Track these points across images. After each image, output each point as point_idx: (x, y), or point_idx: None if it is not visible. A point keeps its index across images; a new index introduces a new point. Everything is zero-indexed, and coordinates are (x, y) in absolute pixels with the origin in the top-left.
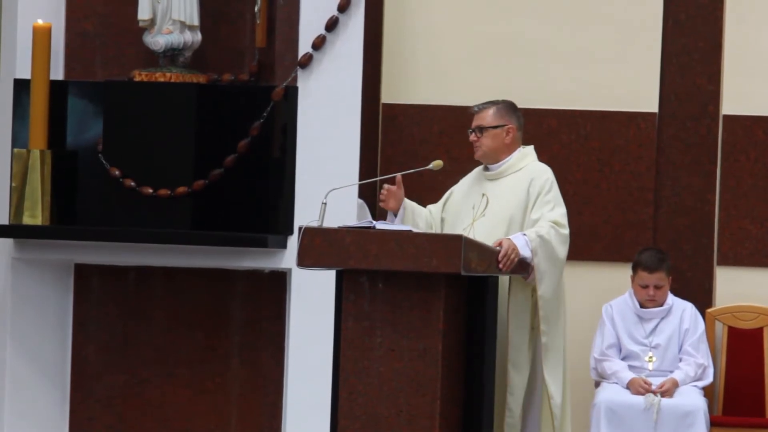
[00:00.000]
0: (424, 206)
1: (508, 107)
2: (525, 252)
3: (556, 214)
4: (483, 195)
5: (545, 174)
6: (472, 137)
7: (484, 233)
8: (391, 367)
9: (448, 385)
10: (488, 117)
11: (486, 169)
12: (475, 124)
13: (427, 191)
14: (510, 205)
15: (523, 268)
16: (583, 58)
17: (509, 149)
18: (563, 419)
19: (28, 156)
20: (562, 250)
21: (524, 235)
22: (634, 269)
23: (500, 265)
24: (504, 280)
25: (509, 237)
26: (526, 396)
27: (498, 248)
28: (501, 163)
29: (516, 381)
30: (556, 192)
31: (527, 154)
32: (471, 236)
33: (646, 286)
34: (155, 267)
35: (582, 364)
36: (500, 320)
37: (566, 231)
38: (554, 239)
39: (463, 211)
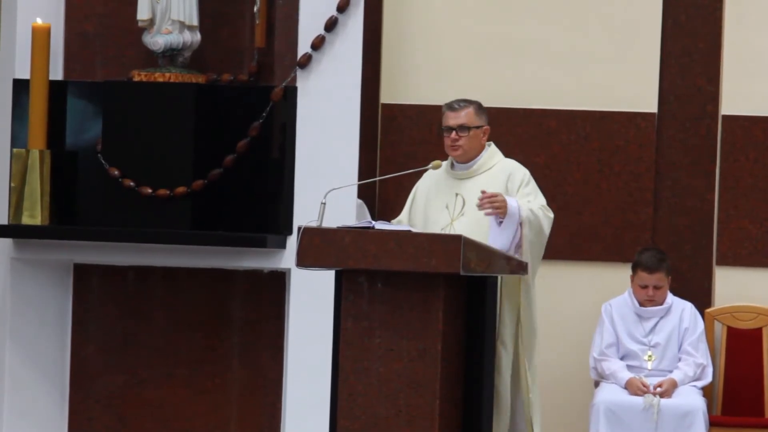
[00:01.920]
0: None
1: (482, 107)
2: (512, 213)
3: (541, 200)
4: (457, 195)
5: (522, 169)
6: (453, 136)
7: (466, 233)
8: (391, 367)
9: (447, 385)
10: (471, 116)
11: (452, 167)
12: (455, 122)
13: None
14: None
15: (520, 267)
16: (583, 58)
17: (482, 148)
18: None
19: (27, 156)
20: (547, 228)
21: (517, 202)
22: (634, 269)
23: (480, 201)
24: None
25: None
26: (513, 380)
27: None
28: (473, 162)
29: (504, 360)
30: (534, 185)
31: (495, 151)
32: None
33: (645, 287)
34: (154, 267)
35: (582, 364)
36: None
37: (552, 215)
38: (542, 217)
39: (436, 213)
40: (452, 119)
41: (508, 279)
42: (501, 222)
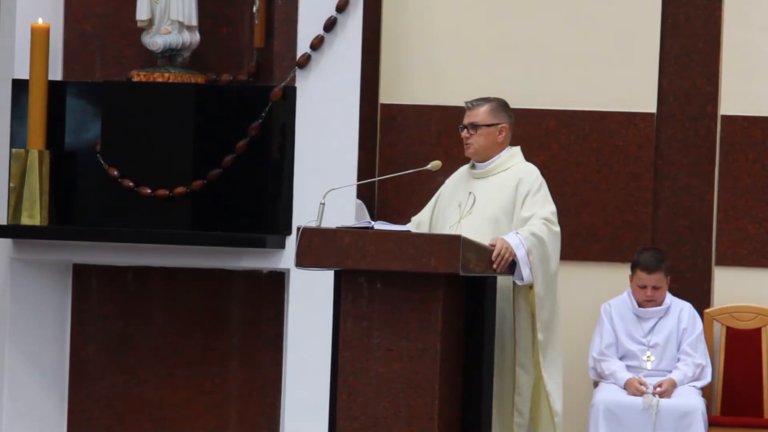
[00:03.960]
0: (410, 218)
1: (502, 105)
2: (519, 251)
3: (547, 211)
4: (470, 193)
5: (533, 173)
6: (464, 134)
7: (471, 232)
8: (390, 367)
9: (446, 385)
10: (482, 114)
11: (473, 167)
12: (467, 120)
13: (426, 192)
14: (497, 204)
15: (510, 269)
16: (582, 58)
17: (500, 148)
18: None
19: (26, 156)
20: (555, 247)
21: (517, 234)
22: (633, 269)
23: (494, 266)
24: (508, 280)
25: (502, 237)
26: (534, 397)
27: (492, 248)
28: (490, 161)
29: (524, 381)
30: (545, 191)
31: (515, 153)
32: None
33: (644, 287)
34: (154, 267)
35: (581, 364)
36: (507, 321)
37: (558, 228)
38: (547, 237)
39: (450, 209)
40: (466, 117)
41: (520, 301)
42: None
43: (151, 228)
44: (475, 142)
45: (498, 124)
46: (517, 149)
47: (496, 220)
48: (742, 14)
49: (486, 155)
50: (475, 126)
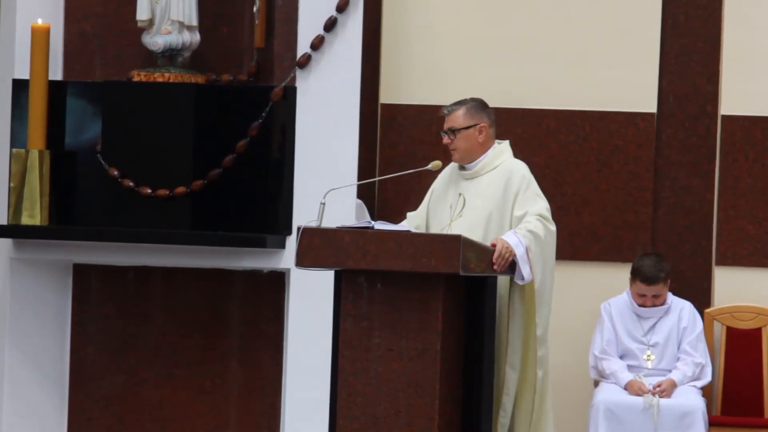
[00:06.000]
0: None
1: (478, 105)
2: (518, 250)
3: (539, 207)
4: (460, 195)
5: (520, 171)
6: (446, 140)
7: (462, 234)
8: (390, 367)
9: (446, 385)
10: (459, 118)
11: (462, 168)
12: (447, 126)
13: (425, 191)
14: (486, 204)
15: (510, 268)
16: (582, 58)
17: (484, 147)
18: (544, 414)
19: (26, 156)
20: (551, 242)
21: (515, 233)
22: (633, 276)
23: (495, 267)
24: (503, 280)
25: (501, 237)
26: (517, 394)
27: (492, 248)
28: (476, 162)
29: (512, 380)
30: (534, 187)
31: (503, 151)
32: None
33: (643, 296)
34: (154, 267)
35: (581, 364)
36: (502, 320)
37: (553, 226)
38: (542, 232)
39: (441, 212)
40: (445, 123)
41: (515, 301)
42: (515, 262)
43: (151, 228)
44: (457, 146)
45: (476, 124)
46: (505, 145)
47: (486, 221)
48: (742, 14)
49: (471, 157)
50: (453, 131)
